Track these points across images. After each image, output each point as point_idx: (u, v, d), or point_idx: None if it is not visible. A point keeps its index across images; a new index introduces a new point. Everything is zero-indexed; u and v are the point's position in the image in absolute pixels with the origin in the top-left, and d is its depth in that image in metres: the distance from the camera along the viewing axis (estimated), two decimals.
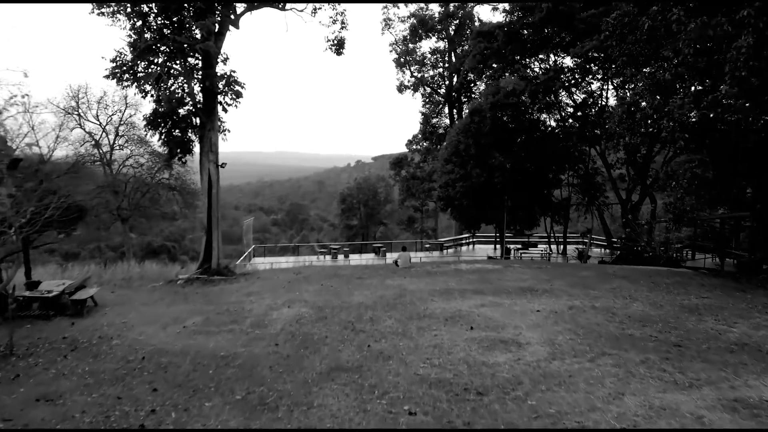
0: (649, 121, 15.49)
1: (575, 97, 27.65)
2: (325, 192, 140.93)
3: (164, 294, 12.90)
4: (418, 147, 43.44)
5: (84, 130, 37.12)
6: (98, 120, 35.40)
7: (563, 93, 27.85)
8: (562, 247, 28.82)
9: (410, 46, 40.80)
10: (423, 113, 41.43)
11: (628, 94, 15.51)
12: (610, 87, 27.22)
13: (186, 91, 14.47)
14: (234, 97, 15.10)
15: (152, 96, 14.07)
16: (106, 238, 53.99)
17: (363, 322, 9.30)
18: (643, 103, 15.42)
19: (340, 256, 26.57)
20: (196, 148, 15.68)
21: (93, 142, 37.89)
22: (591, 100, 27.17)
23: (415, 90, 41.01)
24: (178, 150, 15.36)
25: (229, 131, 16.36)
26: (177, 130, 14.96)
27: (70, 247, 56.43)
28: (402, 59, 40.73)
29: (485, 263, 17.23)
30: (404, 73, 41.49)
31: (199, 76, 14.88)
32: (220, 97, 15.13)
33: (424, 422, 5.31)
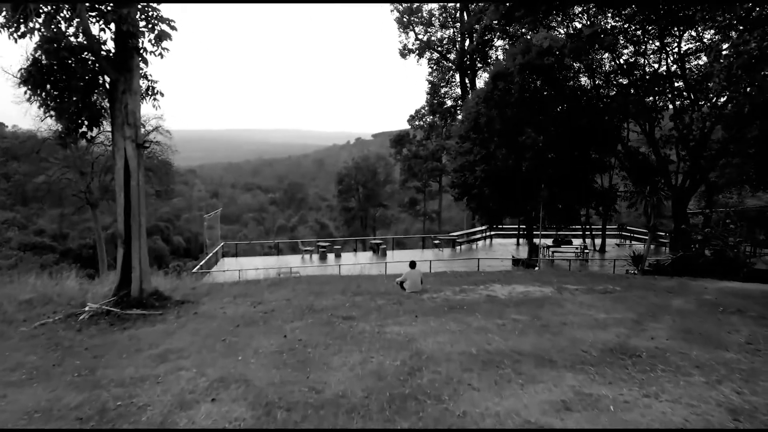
0: None
1: (621, 59, 22.45)
2: (324, 171, 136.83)
3: (37, 347, 8.20)
4: (422, 123, 38.65)
5: None
6: None
7: (606, 55, 22.61)
8: (599, 243, 24.02)
9: (415, 3, 35.05)
10: (430, 82, 35.89)
11: (750, 45, 10.32)
12: (649, 50, 22.37)
13: (79, 29, 9.39)
14: (157, 40, 10.05)
15: (18, 36, 8.99)
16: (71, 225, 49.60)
17: None
18: None
19: (330, 256, 21.71)
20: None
21: None
22: (641, 61, 22.01)
23: (421, 55, 35.43)
24: (82, 121, 10.44)
25: (162, 95, 11.33)
26: (73, 93, 9.97)
27: (57, 228, 52.15)
28: (405, 19, 35.00)
29: (525, 282, 12.46)
30: (408, 34, 35.89)
31: (106, 9, 9.79)
32: (138, 42, 10.10)
33: None
